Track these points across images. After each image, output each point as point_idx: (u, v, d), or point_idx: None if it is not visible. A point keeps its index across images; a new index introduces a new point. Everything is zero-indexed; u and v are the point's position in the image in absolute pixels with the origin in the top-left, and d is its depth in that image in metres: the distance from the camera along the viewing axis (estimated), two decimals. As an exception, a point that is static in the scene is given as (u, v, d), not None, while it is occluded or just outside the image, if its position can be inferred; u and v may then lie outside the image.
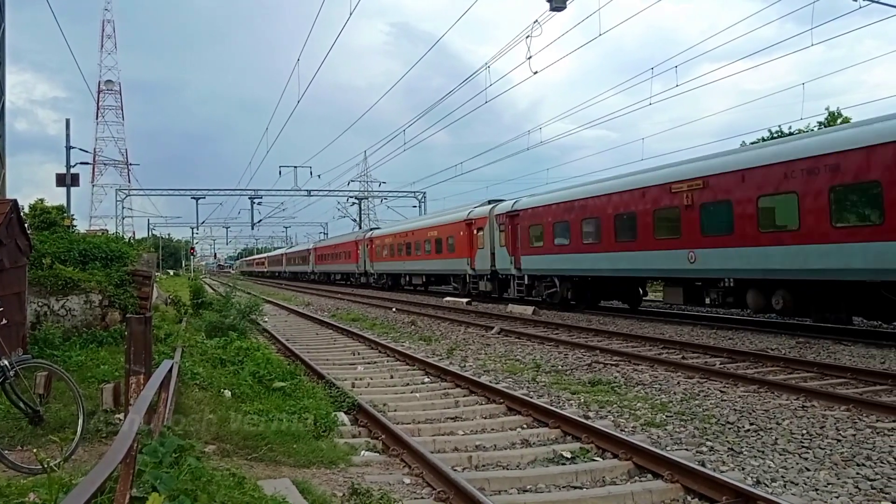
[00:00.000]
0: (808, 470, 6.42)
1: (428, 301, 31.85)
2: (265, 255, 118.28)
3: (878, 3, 18.54)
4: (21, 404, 6.26)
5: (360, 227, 72.24)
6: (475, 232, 31.72)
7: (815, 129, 36.34)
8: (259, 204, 70.68)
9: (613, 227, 21.52)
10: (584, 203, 23.17)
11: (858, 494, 5.77)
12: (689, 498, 5.73)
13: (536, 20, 18.90)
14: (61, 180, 30.05)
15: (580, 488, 6.06)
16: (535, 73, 21.19)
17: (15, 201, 8.95)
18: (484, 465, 6.78)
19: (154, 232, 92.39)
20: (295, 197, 69.60)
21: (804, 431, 7.69)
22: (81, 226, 38.98)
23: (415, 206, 73.70)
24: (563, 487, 6.12)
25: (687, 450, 7.12)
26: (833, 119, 35.85)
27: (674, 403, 9.29)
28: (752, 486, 5.64)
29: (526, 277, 27.33)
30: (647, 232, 19.90)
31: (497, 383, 10.64)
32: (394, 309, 27.43)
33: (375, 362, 13.59)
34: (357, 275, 53.91)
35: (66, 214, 22.62)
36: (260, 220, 78.09)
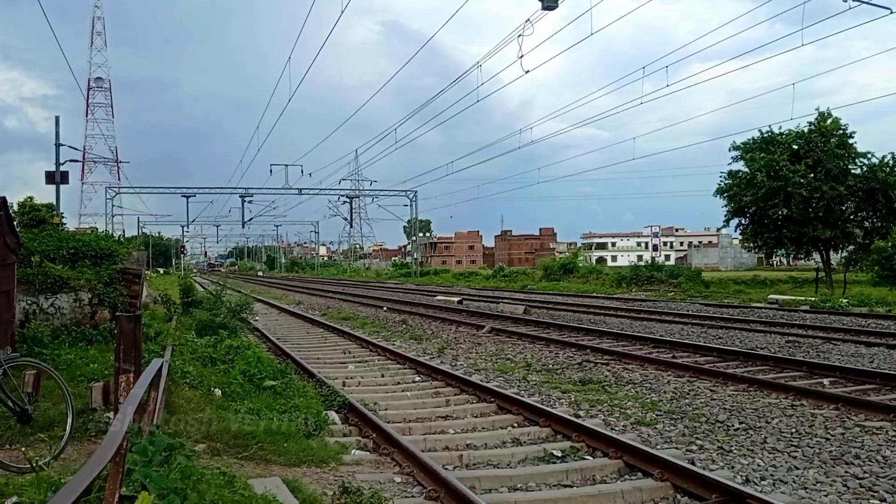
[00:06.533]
0: (797, 468, 6.46)
1: (419, 300, 31.84)
2: None
3: (867, 3, 18.66)
4: (9, 403, 6.21)
5: (351, 226, 72.23)
6: None
7: (805, 129, 36.47)
8: (250, 202, 70.63)
9: None
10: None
11: (847, 493, 5.82)
12: (678, 496, 5.76)
13: (528, 19, 18.91)
14: (50, 178, 29.83)
15: (570, 487, 6.08)
16: (527, 72, 21.21)
17: (4, 199, 8.86)
18: (475, 464, 6.79)
19: (144, 230, 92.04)
20: (286, 195, 69.56)
21: (793, 430, 7.74)
22: (71, 224, 38.77)
23: (406, 206, 73.78)
24: (554, 486, 6.14)
25: (677, 448, 7.15)
26: (823, 119, 35.91)
27: (664, 402, 9.33)
28: (741, 485, 5.67)
29: None
30: None
31: (488, 382, 10.65)
32: (384, 308, 27.40)
33: (366, 361, 13.58)
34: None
35: (55, 212, 22.53)
36: (251, 219, 77.97)
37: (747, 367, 11.74)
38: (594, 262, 77.79)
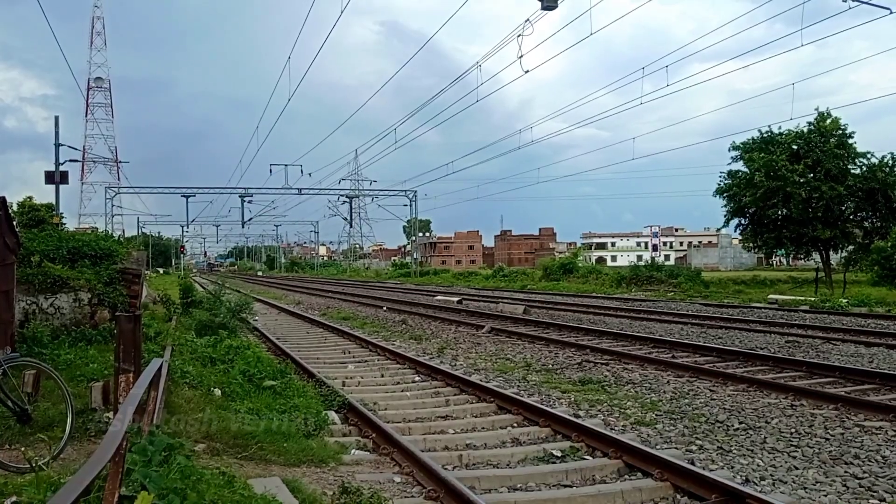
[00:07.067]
0: (797, 468, 6.47)
1: (418, 300, 31.84)
2: None
3: (866, 3, 18.67)
4: (9, 403, 6.21)
5: (351, 226, 72.28)
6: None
7: (805, 129, 36.46)
8: (249, 202, 70.65)
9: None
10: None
11: (847, 493, 5.82)
12: (678, 496, 5.75)
13: (528, 19, 18.90)
14: (50, 178, 29.80)
15: (570, 487, 6.08)
16: (527, 71, 21.21)
17: (3, 198, 8.85)
18: (474, 464, 6.79)
19: (144, 230, 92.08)
20: (285, 195, 69.58)
21: (793, 430, 7.74)
22: (70, 224, 38.79)
23: (405, 205, 73.81)
24: (554, 486, 6.14)
25: (676, 448, 7.15)
26: (822, 119, 35.87)
27: (664, 402, 9.33)
28: (740, 485, 5.67)
29: None
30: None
31: (487, 382, 10.65)
32: (384, 308, 27.40)
33: (366, 361, 13.58)
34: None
35: (54, 212, 22.52)
36: (250, 219, 78.01)
37: (747, 367, 11.74)
38: (594, 262, 77.79)
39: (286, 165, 61.95)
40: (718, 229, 51.59)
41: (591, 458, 6.81)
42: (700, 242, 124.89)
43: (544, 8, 16.61)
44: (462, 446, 7.40)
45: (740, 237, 46.57)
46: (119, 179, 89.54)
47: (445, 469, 6.15)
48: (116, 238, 21.84)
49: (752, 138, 37.92)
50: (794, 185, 34.13)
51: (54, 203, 27.81)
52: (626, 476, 6.30)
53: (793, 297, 27.86)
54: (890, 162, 35.00)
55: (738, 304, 27.19)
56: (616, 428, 8.05)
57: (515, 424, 8.20)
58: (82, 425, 6.69)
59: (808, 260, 49.53)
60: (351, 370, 12.44)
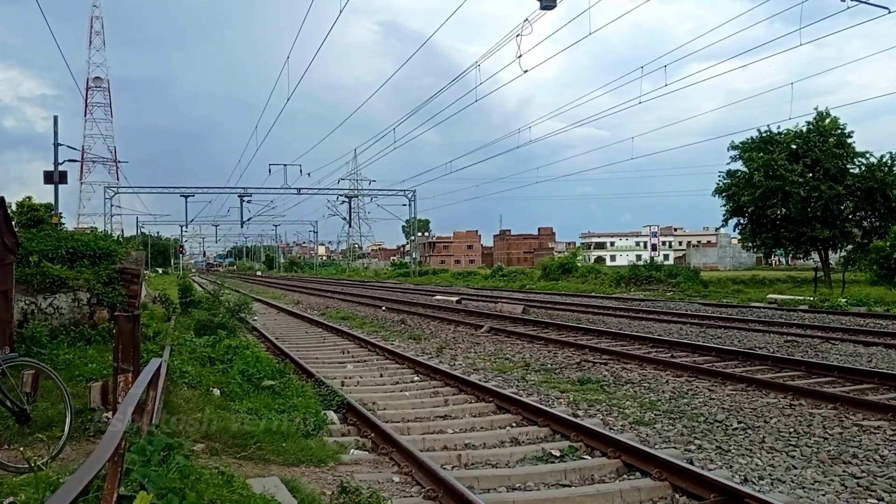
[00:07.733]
0: (796, 468, 6.47)
1: (417, 300, 31.84)
2: None
3: (865, 3, 18.69)
4: (8, 403, 6.21)
5: (350, 226, 72.27)
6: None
7: (804, 128, 36.47)
8: (248, 202, 70.60)
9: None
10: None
11: (845, 492, 5.83)
12: (677, 496, 5.76)
13: (527, 19, 18.91)
14: (49, 178, 29.73)
15: (569, 486, 6.08)
16: (526, 71, 21.23)
17: (2, 198, 8.84)
18: (473, 464, 6.79)
19: (143, 230, 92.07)
20: (285, 195, 69.60)
21: (791, 430, 7.75)
22: (69, 223, 38.76)
23: (404, 205, 73.86)
24: (553, 486, 6.14)
25: (675, 448, 7.16)
26: (821, 119, 35.88)
27: (662, 402, 9.33)
28: (739, 484, 5.67)
29: None
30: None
31: (486, 382, 10.65)
32: (383, 308, 27.40)
33: (365, 361, 13.58)
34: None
35: (53, 212, 22.49)
36: (249, 219, 78.04)
37: (746, 367, 11.75)
38: (593, 262, 77.84)
39: (285, 165, 62.05)
40: (717, 229, 51.62)
41: (589, 458, 6.81)
42: (699, 242, 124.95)
43: (543, 7, 16.62)
44: (461, 446, 7.40)
45: (739, 237, 46.61)
46: (118, 179, 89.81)
47: (444, 469, 6.16)
48: (115, 238, 21.81)
49: (751, 138, 37.96)
50: (793, 184, 34.15)
51: (53, 203, 27.78)
52: (625, 475, 6.30)
53: (792, 297, 27.88)
54: (888, 161, 35.05)
55: (736, 303, 27.20)
56: (615, 427, 8.06)
57: (514, 424, 8.21)
58: (81, 425, 6.69)
59: (807, 259, 49.61)
60: (350, 370, 12.44)
